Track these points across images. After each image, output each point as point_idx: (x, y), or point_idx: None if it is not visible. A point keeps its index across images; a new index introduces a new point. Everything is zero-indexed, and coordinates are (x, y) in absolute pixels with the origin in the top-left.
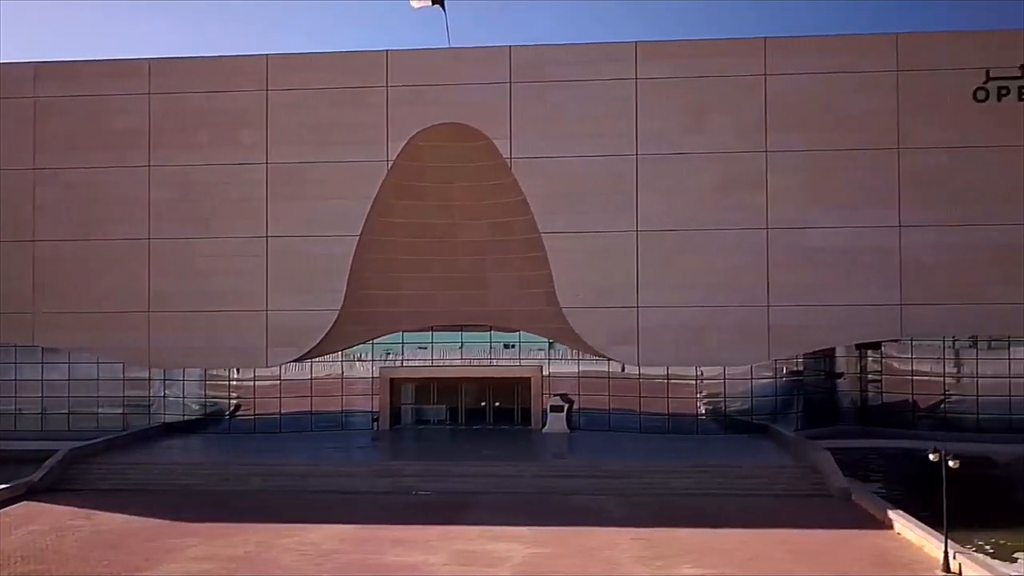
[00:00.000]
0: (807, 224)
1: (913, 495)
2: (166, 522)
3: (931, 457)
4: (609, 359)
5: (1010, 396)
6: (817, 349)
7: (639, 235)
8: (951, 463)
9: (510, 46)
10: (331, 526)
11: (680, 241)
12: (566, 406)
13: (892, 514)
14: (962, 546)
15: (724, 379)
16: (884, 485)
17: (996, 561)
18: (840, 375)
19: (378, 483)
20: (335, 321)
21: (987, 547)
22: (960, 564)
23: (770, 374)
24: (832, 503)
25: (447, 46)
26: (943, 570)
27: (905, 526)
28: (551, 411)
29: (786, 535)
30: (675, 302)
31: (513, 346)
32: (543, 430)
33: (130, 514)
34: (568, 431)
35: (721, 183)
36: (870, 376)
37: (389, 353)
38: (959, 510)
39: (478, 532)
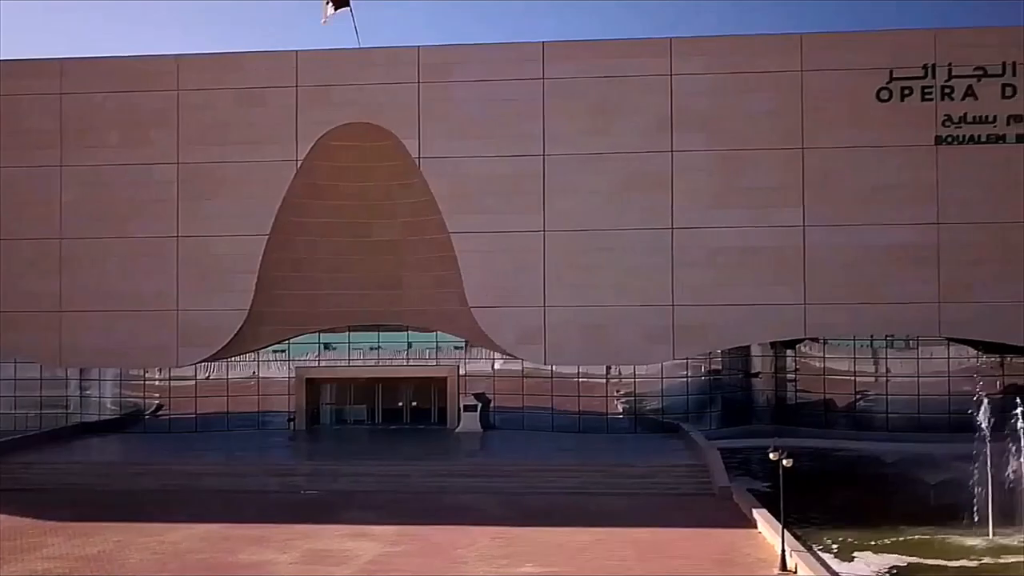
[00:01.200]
0: (712, 224)
1: (802, 493)
2: (35, 521)
3: (771, 456)
4: (519, 358)
5: (918, 395)
6: (721, 348)
7: (546, 235)
8: (785, 462)
9: (418, 47)
10: (199, 525)
11: (587, 241)
12: (479, 405)
13: (756, 513)
14: (815, 544)
15: (635, 378)
16: (774, 484)
17: (835, 560)
18: (756, 374)
19: (268, 482)
20: (245, 321)
21: (833, 545)
22: (796, 563)
23: (685, 373)
24: (712, 502)
25: (356, 46)
26: (780, 568)
27: (765, 525)
28: (464, 411)
29: (646, 534)
30: (581, 301)
31: (430, 346)
32: (456, 429)
33: (6, 514)
34: (481, 430)
35: (627, 183)
36: (787, 375)
37: (307, 353)
38: (836, 508)
39: (344, 531)
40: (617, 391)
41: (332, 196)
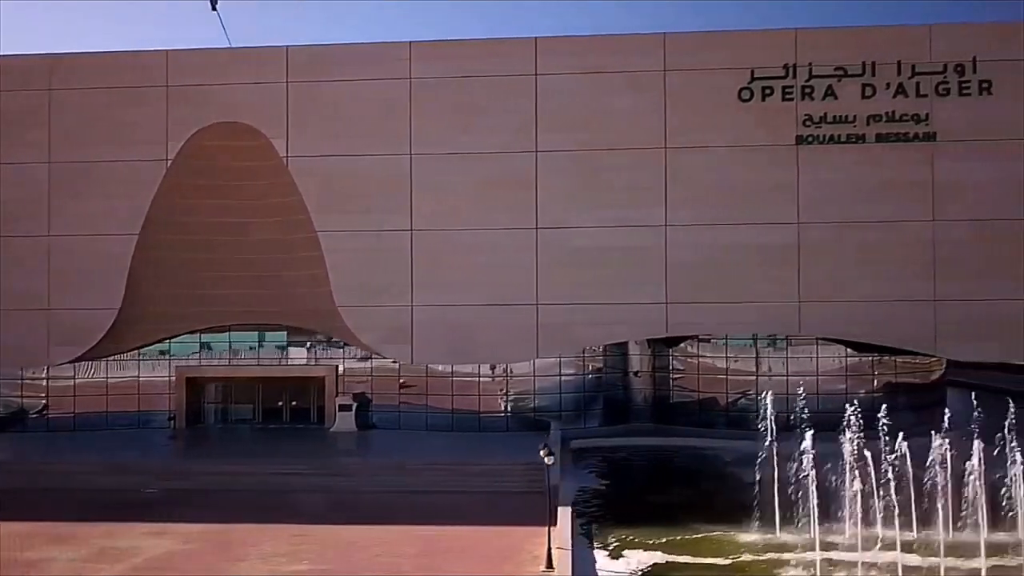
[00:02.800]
0: (576, 223)
1: (634, 491)
2: None
3: (542, 454)
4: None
5: (786, 394)
6: (585, 347)
7: (413, 234)
8: (547, 459)
9: (287, 46)
10: (7, 524)
11: (453, 240)
12: (354, 405)
13: (561, 511)
14: (600, 542)
15: (508, 377)
16: (615, 482)
17: (606, 558)
18: (636, 373)
19: (105, 481)
20: (117, 320)
21: (613, 543)
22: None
23: (565, 372)
24: (539, 499)
25: (226, 46)
26: (546, 566)
27: (564, 522)
28: (339, 410)
29: (445, 531)
30: (448, 300)
31: (309, 346)
32: (331, 429)
33: None
34: (356, 429)
35: (493, 182)
36: (666, 374)
37: (188, 353)
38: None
39: (148, 529)
40: (492, 390)
41: (206, 195)
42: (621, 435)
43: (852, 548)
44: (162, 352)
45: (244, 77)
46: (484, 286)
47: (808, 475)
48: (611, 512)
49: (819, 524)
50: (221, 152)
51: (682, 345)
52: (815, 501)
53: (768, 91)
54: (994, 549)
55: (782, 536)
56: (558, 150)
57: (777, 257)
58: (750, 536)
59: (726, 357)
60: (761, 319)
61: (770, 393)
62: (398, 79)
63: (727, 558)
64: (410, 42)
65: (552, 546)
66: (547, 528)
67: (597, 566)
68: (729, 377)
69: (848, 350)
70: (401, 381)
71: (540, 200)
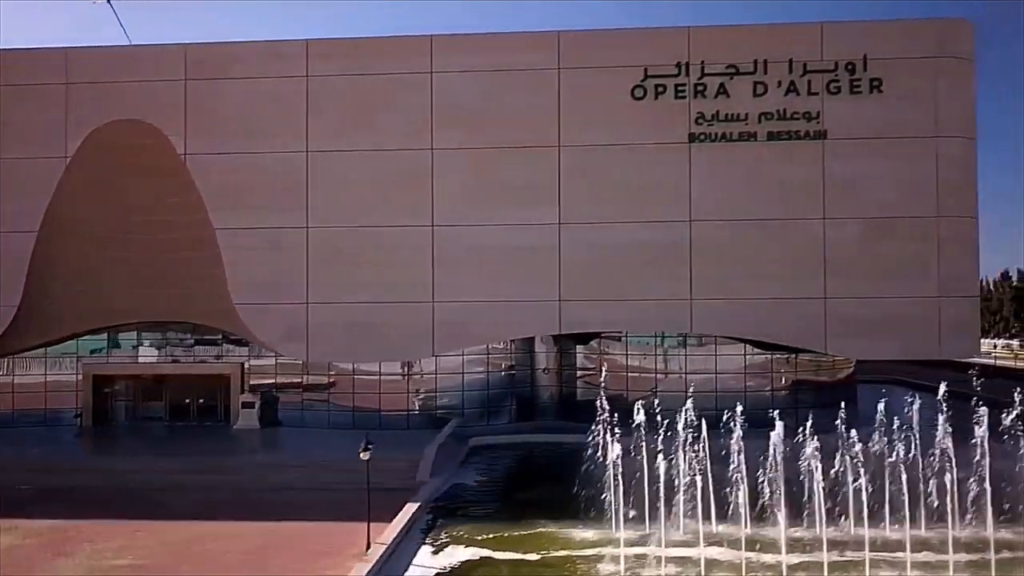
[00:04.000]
0: (472, 221)
1: (518, 488)
2: None
3: (361, 454)
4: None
5: (685, 392)
6: (481, 345)
7: (309, 232)
8: (363, 455)
9: (185, 44)
10: None
11: (350, 238)
12: (256, 403)
13: (408, 506)
14: (436, 537)
15: (408, 375)
16: (493, 479)
17: (430, 553)
18: (544, 370)
19: None
20: (18, 317)
21: (445, 537)
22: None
23: (475, 369)
24: (402, 496)
25: (127, 44)
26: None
27: (402, 518)
28: (242, 407)
29: (292, 527)
30: (345, 298)
31: (216, 343)
32: (235, 427)
33: None
34: (259, 427)
35: (389, 180)
36: (573, 371)
37: (96, 351)
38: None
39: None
40: (393, 388)
41: (105, 193)
42: (526, 432)
43: (686, 544)
44: (69, 350)
45: (143, 75)
46: (381, 284)
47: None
48: (470, 508)
49: (665, 519)
50: (120, 150)
51: (591, 343)
52: (646, 497)
53: (661, 89)
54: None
55: (622, 533)
56: (454, 148)
57: (669, 255)
58: (587, 532)
59: (630, 355)
60: (653, 317)
61: (662, 390)
62: (295, 77)
63: (540, 553)
64: (306, 40)
65: (379, 540)
66: (380, 522)
67: (414, 560)
68: (634, 375)
69: (752, 348)
70: (304, 379)
71: (436, 198)
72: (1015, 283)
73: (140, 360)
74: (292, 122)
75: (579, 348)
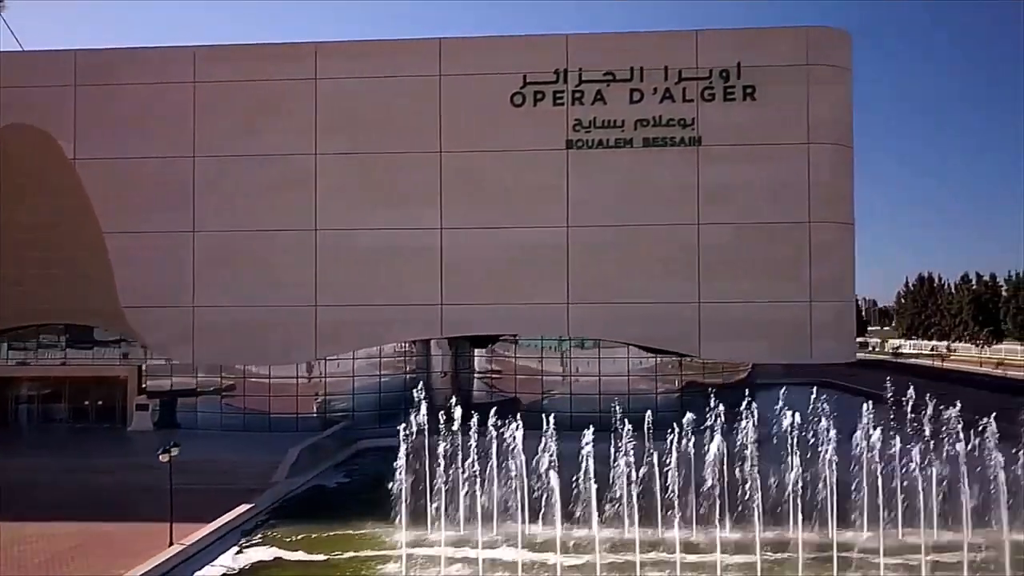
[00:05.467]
0: (355, 225)
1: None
2: None
3: (161, 457)
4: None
5: (600, 394)
6: (364, 347)
7: (196, 236)
8: (162, 458)
9: (75, 49)
10: None
11: (237, 242)
12: (150, 405)
13: (241, 507)
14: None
15: (298, 377)
16: (355, 481)
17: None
18: (441, 373)
19: None
20: None
21: (257, 539)
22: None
23: (370, 372)
24: (248, 496)
25: (17, 49)
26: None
27: (226, 519)
28: (137, 410)
29: (115, 527)
30: (230, 302)
31: (114, 345)
32: (129, 428)
33: None
34: (152, 429)
35: (275, 184)
36: (470, 374)
37: None
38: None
39: None
40: (283, 391)
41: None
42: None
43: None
44: None
45: (34, 80)
46: (266, 287)
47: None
48: (311, 510)
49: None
50: (11, 154)
51: (488, 345)
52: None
53: (540, 96)
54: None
55: (434, 534)
56: (338, 152)
57: (549, 259)
58: (405, 534)
59: (521, 357)
60: (534, 320)
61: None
62: (183, 83)
63: (331, 555)
64: (194, 47)
65: (183, 541)
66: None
67: (215, 561)
68: (524, 376)
69: (640, 351)
70: (197, 381)
71: (321, 202)
72: (974, 286)
73: (39, 362)
74: (179, 127)
75: (476, 350)
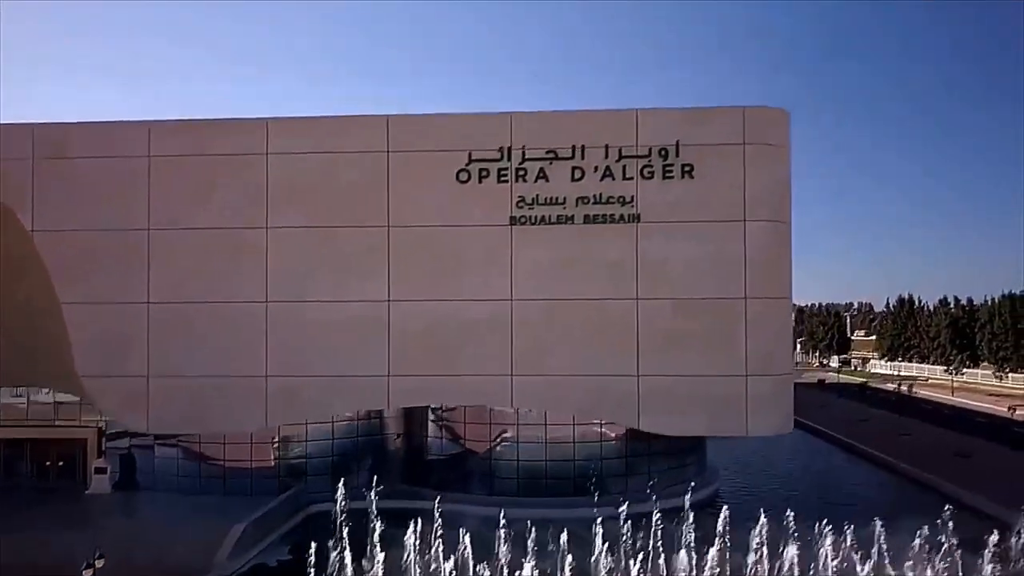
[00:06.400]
0: (306, 297)
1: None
2: None
3: None
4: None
5: (546, 460)
6: (312, 418)
7: (150, 306)
8: None
9: (33, 124)
10: None
11: (191, 311)
12: (108, 467)
13: None
14: None
15: (252, 441)
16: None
17: None
18: (396, 436)
19: None
20: None
21: None
22: None
23: (322, 436)
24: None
25: None
26: None
27: None
28: (95, 472)
29: None
30: (185, 371)
31: (77, 407)
32: (87, 491)
33: None
34: (110, 491)
35: (227, 256)
36: (423, 438)
37: None
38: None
39: None
40: (238, 455)
41: None
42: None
43: None
44: None
45: None
46: (216, 354)
47: None
48: None
49: None
50: None
51: (439, 410)
52: None
53: (485, 173)
54: None
55: None
56: (289, 226)
57: (494, 331)
58: None
59: (467, 424)
60: (477, 390)
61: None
62: (138, 157)
63: None
64: (149, 123)
65: None
66: None
67: None
68: (471, 440)
69: None
70: (154, 443)
71: (272, 273)
72: (952, 309)
73: (3, 421)
74: (134, 199)
75: (426, 415)
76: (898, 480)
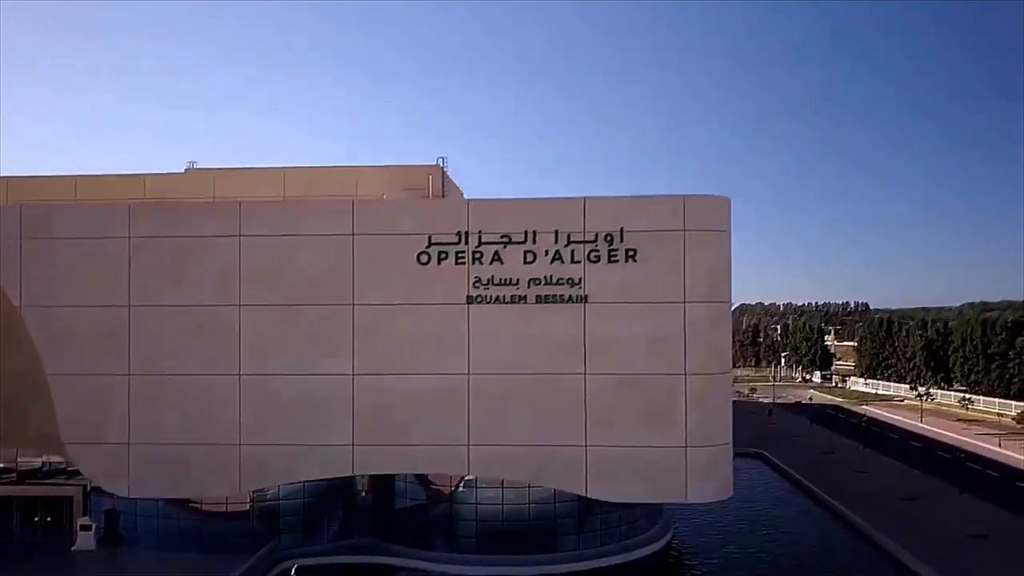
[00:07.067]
0: (275, 371)
1: None
2: None
3: None
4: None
5: (503, 515)
6: (281, 483)
7: (131, 378)
8: None
9: (21, 204)
10: None
11: (167, 384)
12: (93, 525)
13: None
14: None
15: (228, 502)
16: None
17: None
18: (362, 491)
19: None
20: None
21: None
22: None
23: (296, 490)
24: None
25: None
26: None
27: None
28: (80, 530)
29: None
30: (164, 439)
31: (61, 466)
32: (73, 548)
33: None
34: (94, 548)
35: (202, 331)
36: (392, 495)
37: None
38: None
39: None
40: (213, 510)
41: None
42: (343, 552)
43: None
44: None
45: None
46: (194, 425)
47: None
48: None
49: None
50: None
51: None
52: None
53: (443, 255)
54: None
55: None
56: (259, 304)
57: (451, 404)
58: None
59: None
60: (436, 459)
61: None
62: (119, 238)
63: None
64: (128, 205)
65: None
66: None
67: None
68: (436, 499)
69: None
70: (136, 500)
71: (244, 348)
72: (928, 333)
73: None
74: (114, 278)
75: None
76: (846, 530)
